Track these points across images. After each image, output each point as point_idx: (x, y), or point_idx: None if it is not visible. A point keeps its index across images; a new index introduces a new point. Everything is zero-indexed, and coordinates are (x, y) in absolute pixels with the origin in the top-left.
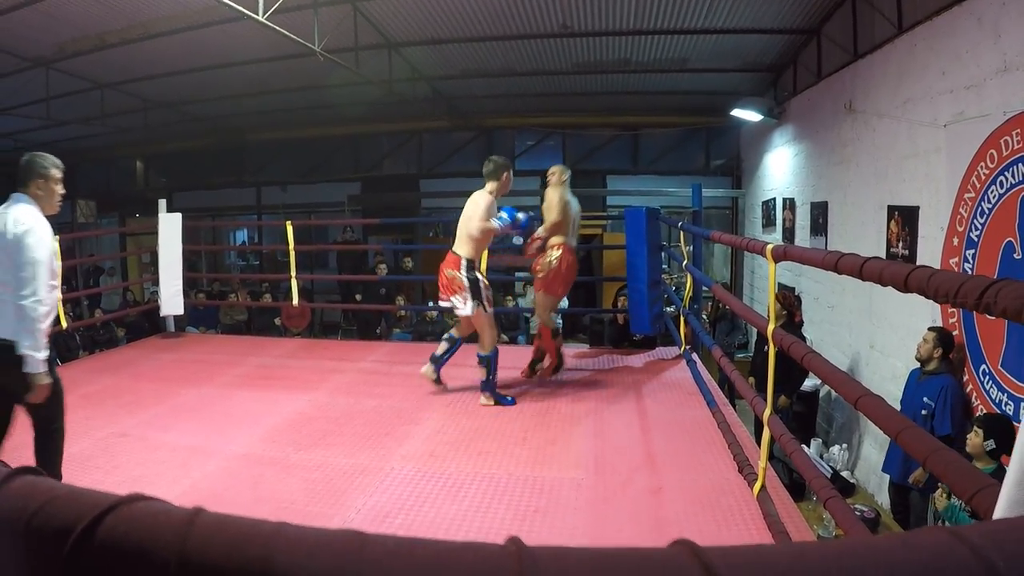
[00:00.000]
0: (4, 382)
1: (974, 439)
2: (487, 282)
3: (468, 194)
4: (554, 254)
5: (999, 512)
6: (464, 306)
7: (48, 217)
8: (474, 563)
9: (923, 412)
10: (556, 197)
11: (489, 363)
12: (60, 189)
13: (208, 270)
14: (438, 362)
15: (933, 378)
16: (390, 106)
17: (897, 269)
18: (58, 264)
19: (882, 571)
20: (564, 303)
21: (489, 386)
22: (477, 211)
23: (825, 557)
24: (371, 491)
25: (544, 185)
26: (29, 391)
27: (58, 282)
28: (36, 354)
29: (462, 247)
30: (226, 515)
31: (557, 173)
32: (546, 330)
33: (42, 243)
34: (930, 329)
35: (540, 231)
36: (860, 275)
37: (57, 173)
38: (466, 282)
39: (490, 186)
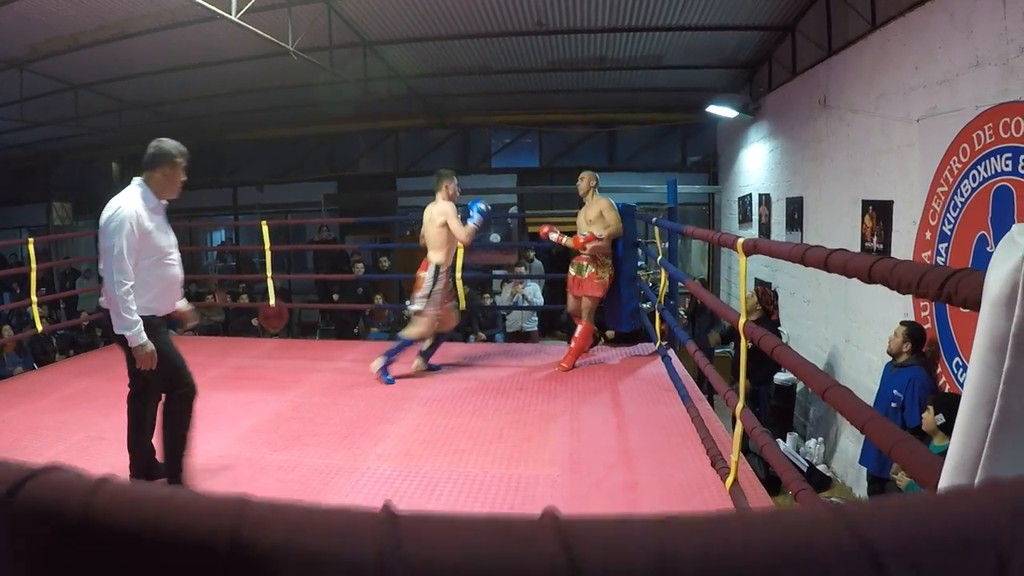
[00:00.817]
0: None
1: (927, 417)
2: (444, 287)
3: None
4: (608, 263)
5: None
6: (414, 303)
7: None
8: (341, 522)
9: (893, 404)
10: (613, 212)
11: (401, 345)
12: (183, 176)
13: (184, 271)
14: (426, 356)
15: (902, 371)
16: (366, 105)
17: (861, 261)
18: (164, 240)
19: (746, 546)
20: (540, 300)
21: (388, 359)
22: (450, 220)
23: (693, 530)
24: (346, 491)
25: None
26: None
27: (160, 256)
28: (127, 332)
29: (432, 253)
30: (129, 483)
31: (587, 179)
32: (589, 327)
33: (123, 225)
34: (901, 323)
35: (602, 234)
36: (825, 267)
37: (183, 161)
38: (425, 284)
39: (440, 195)
